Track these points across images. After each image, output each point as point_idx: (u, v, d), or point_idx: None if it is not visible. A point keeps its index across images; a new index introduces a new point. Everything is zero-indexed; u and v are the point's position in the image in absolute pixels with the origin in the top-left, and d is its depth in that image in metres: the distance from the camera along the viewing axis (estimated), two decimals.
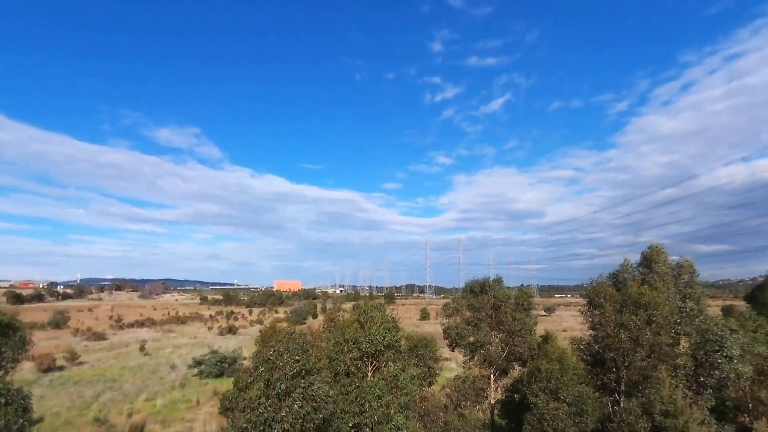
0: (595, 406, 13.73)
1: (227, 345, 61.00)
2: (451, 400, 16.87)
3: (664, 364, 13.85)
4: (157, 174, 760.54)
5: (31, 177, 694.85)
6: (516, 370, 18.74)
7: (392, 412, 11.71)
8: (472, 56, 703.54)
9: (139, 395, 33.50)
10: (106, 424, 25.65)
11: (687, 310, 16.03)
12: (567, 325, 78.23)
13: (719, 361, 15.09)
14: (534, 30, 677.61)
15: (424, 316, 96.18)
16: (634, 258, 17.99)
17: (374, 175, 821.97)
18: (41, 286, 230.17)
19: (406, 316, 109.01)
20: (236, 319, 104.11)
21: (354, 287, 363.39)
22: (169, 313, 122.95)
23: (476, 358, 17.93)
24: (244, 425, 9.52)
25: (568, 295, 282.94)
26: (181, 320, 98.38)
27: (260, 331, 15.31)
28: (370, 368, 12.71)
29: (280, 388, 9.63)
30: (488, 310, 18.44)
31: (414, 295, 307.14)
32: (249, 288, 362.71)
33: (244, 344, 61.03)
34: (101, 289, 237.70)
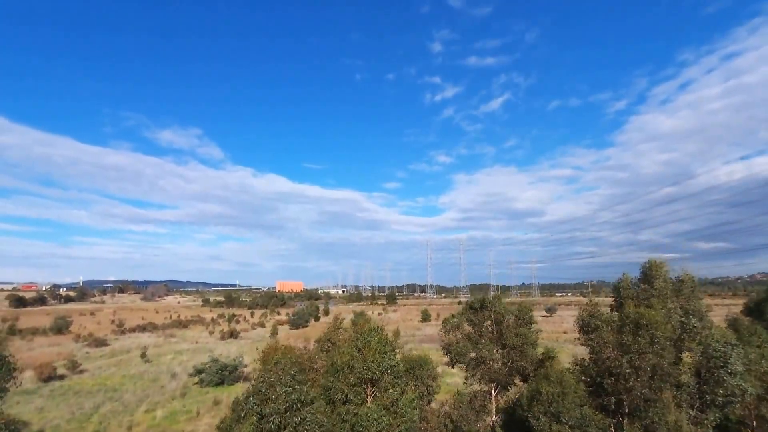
0: (599, 428, 13.51)
1: (228, 350, 60.96)
2: (451, 420, 16.66)
3: (667, 385, 13.57)
4: (159, 175, 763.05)
5: (34, 179, 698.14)
6: (517, 386, 18.49)
7: None
8: (471, 56, 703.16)
9: (139, 406, 33.37)
10: None
11: (690, 326, 15.75)
12: (567, 326, 77.78)
13: (724, 378, 14.81)
14: (533, 30, 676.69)
15: (425, 317, 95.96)
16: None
17: (375, 174, 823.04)
18: (44, 288, 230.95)
19: (408, 318, 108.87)
20: (238, 322, 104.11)
21: (356, 287, 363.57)
22: (171, 317, 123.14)
23: (477, 374, 17.70)
24: None
25: (569, 294, 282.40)
26: (183, 324, 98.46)
27: (262, 352, 15.04)
28: (369, 395, 12.48)
29: (273, 423, 9.44)
30: (489, 325, 18.23)
31: (415, 294, 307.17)
32: (251, 289, 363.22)
33: (245, 349, 61.00)
34: (104, 291, 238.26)
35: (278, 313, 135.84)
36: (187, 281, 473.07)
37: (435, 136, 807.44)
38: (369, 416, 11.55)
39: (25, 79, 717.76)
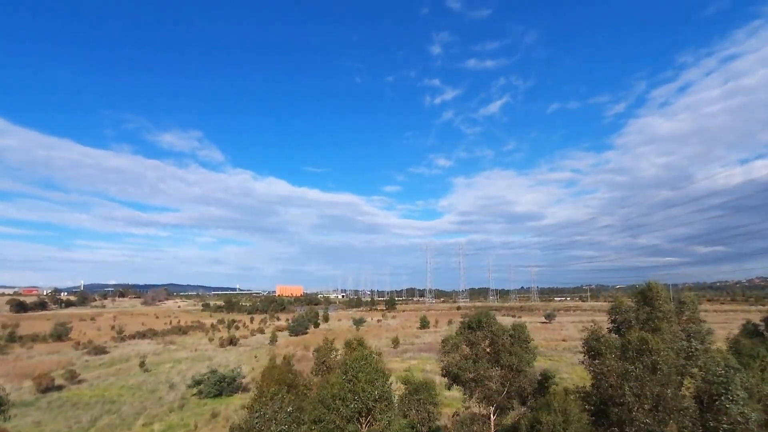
0: None
1: (227, 358, 60.81)
2: None
3: (672, 416, 13.34)
4: (160, 177, 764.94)
5: (35, 182, 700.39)
6: (516, 411, 18.33)
7: None
8: (470, 58, 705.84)
9: (137, 419, 33.19)
10: None
11: (692, 350, 15.50)
12: (567, 333, 77.43)
13: (726, 405, 14.59)
14: (532, 32, 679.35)
15: (424, 324, 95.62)
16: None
17: (374, 178, 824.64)
18: (45, 293, 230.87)
19: (407, 325, 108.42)
20: (237, 328, 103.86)
21: (356, 291, 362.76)
22: (170, 322, 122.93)
23: (475, 395, 17.55)
24: None
25: (568, 298, 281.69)
26: (183, 330, 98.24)
27: (261, 374, 14.89)
28: (364, 426, 12.35)
29: None
30: (486, 345, 18.10)
31: (414, 299, 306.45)
32: (251, 293, 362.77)
33: (243, 357, 60.84)
34: (104, 296, 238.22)
35: (278, 319, 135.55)
36: (188, 285, 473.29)
37: (434, 139, 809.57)
38: None
39: (26, 82, 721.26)
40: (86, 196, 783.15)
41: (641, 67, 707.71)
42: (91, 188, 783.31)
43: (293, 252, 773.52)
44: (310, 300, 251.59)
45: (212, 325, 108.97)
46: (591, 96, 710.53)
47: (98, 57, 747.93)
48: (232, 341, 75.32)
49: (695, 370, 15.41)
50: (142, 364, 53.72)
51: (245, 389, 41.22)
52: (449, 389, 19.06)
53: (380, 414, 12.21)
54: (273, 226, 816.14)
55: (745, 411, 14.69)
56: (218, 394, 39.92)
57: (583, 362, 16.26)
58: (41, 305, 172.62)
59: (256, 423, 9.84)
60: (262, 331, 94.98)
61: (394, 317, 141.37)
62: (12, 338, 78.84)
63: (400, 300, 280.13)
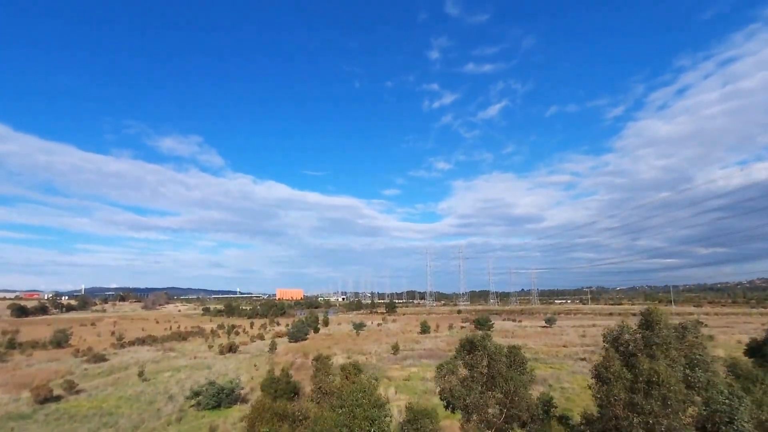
0: None
1: (227, 366, 60.54)
2: None
3: None
4: (160, 182, 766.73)
5: (36, 187, 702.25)
6: None
7: None
8: (469, 63, 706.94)
9: None
10: None
11: (696, 379, 15.17)
12: (568, 339, 77.03)
13: None
14: (530, 36, 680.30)
15: (425, 329, 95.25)
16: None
17: (374, 181, 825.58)
18: (46, 297, 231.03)
19: (407, 329, 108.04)
20: (237, 333, 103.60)
21: (356, 294, 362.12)
22: (171, 327, 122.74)
23: (472, 421, 17.30)
24: None
25: (568, 300, 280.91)
26: (182, 336, 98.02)
27: (251, 407, 14.67)
28: None
29: None
30: (482, 368, 17.85)
31: (415, 302, 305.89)
32: (252, 296, 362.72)
33: (242, 366, 60.55)
34: (105, 300, 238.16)
35: (278, 323, 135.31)
36: (188, 288, 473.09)
37: (434, 142, 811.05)
38: None
39: (27, 87, 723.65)
40: (87, 201, 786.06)
41: (639, 71, 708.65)
42: (91, 193, 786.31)
43: (293, 255, 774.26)
44: (310, 303, 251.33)
45: (212, 331, 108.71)
46: (589, 99, 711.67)
47: (99, 63, 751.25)
48: (232, 348, 75.00)
49: (698, 398, 15.12)
50: (140, 374, 53.45)
51: (244, 400, 40.95)
52: (447, 409, 18.82)
53: None
54: (273, 229, 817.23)
55: None
56: (216, 406, 39.64)
57: (590, 387, 16.03)
58: (42, 309, 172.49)
59: None
60: (262, 337, 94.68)
61: (394, 321, 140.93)
62: (12, 345, 78.67)
63: (400, 302, 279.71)
